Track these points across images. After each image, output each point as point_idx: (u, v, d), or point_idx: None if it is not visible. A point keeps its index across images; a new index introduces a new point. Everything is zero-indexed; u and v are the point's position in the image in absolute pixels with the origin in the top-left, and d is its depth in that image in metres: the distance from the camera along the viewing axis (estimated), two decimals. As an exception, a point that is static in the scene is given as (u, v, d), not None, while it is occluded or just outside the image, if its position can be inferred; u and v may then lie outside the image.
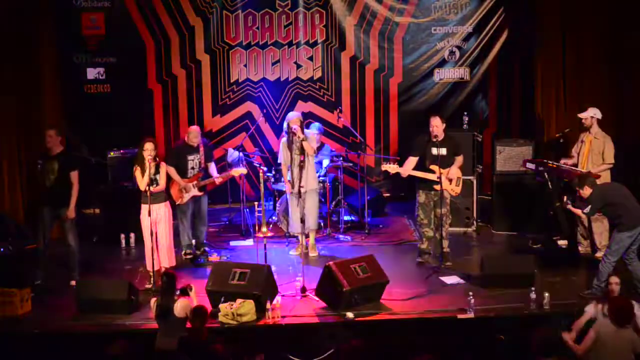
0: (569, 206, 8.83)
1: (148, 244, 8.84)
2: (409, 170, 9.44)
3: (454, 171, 9.50)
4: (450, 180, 9.46)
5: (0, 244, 9.42)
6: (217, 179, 9.98)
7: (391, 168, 9.46)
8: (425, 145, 9.46)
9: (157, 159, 8.96)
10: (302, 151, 9.65)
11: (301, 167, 9.60)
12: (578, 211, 8.72)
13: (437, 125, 9.37)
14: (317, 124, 11.09)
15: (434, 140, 9.36)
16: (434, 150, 9.39)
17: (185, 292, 7.40)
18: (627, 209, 8.38)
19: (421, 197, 9.55)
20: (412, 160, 9.49)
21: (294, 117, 9.73)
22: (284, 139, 9.85)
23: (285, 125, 9.81)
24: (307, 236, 10.04)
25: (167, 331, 7.20)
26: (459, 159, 9.60)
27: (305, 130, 9.89)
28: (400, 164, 9.61)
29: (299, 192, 9.51)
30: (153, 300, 7.39)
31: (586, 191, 8.44)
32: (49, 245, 9.24)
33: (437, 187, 9.32)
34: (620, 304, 6.82)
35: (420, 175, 9.41)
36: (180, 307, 7.22)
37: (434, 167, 9.33)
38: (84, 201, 11.15)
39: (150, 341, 7.77)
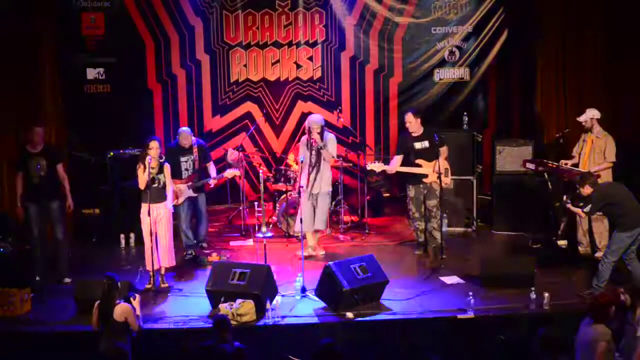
0: (569, 205, 8.84)
1: (147, 243, 8.84)
2: (396, 167, 9.65)
3: (441, 163, 9.58)
4: (440, 173, 9.54)
5: (0, 244, 9.43)
6: (212, 181, 9.98)
7: (377, 166, 9.62)
8: (407, 142, 9.64)
9: (162, 157, 8.98)
10: (319, 155, 9.66)
11: (317, 169, 9.62)
12: (578, 210, 8.72)
13: (410, 122, 9.64)
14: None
15: (414, 135, 9.52)
16: (417, 145, 9.60)
17: (128, 299, 7.32)
18: (628, 209, 8.38)
19: (411, 191, 9.76)
20: (398, 159, 9.69)
21: (315, 124, 9.66)
22: (304, 138, 9.83)
23: (306, 124, 9.80)
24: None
25: (108, 335, 7.15)
26: (444, 150, 9.73)
27: (328, 134, 9.83)
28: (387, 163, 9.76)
29: (310, 192, 9.59)
30: (96, 304, 7.34)
31: (587, 190, 8.44)
32: (45, 243, 9.25)
33: (426, 179, 9.54)
34: (598, 302, 6.73)
35: (409, 170, 9.60)
36: (119, 312, 7.12)
37: (419, 161, 9.54)
38: (84, 201, 11.20)
39: (150, 341, 7.81)
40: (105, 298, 7.21)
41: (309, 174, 9.69)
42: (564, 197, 8.94)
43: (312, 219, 9.77)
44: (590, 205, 8.47)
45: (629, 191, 8.56)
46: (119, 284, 7.32)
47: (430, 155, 9.56)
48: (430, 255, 9.81)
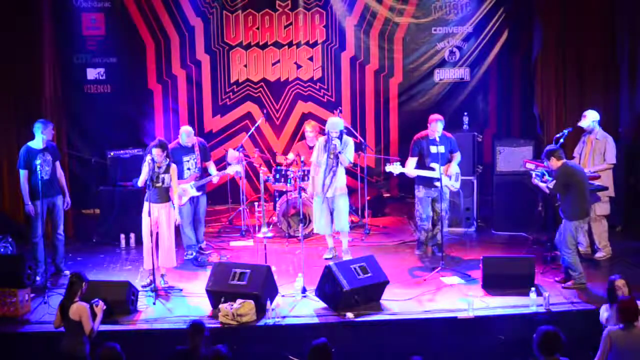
0: (535, 180, 8.97)
1: (146, 243, 8.86)
2: (414, 171, 9.59)
3: (453, 167, 9.60)
4: (450, 177, 9.57)
5: (0, 244, 9.44)
6: (215, 178, 10.01)
7: (395, 169, 9.54)
8: (422, 145, 9.60)
9: (168, 158, 8.98)
10: (336, 157, 9.64)
11: (333, 173, 9.62)
12: (543, 186, 8.86)
13: (437, 131, 9.56)
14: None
15: (431, 138, 9.52)
16: (433, 149, 9.53)
17: (91, 304, 7.32)
18: (582, 197, 8.60)
19: (420, 192, 9.72)
20: (412, 161, 9.62)
21: (333, 128, 9.60)
22: (321, 139, 9.78)
23: (326, 127, 9.76)
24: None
25: (67, 333, 7.18)
26: (457, 156, 9.76)
27: (347, 138, 9.75)
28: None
29: (326, 195, 9.60)
30: (60, 301, 7.38)
31: (553, 162, 8.63)
32: (46, 242, 9.30)
33: (437, 183, 9.47)
34: (625, 306, 6.65)
35: (424, 173, 9.53)
36: (74, 310, 7.13)
37: (434, 164, 9.47)
38: (84, 201, 11.22)
39: (150, 341, 7.81)
40: (66, 296, 7.25)
41: (324, 177, 9.66)
42: (533, 174, 9.10)
43: (327, 221, 9.74)
44: (555, 181, 8.63)
45: (588, 182, 8.79)
46: (83, 283, 7.31)
47: (445, 160, 9.57)
48: (430, 254, 9.80)
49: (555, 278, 8.93)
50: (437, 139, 9.49)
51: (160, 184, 8.84)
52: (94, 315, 7.21)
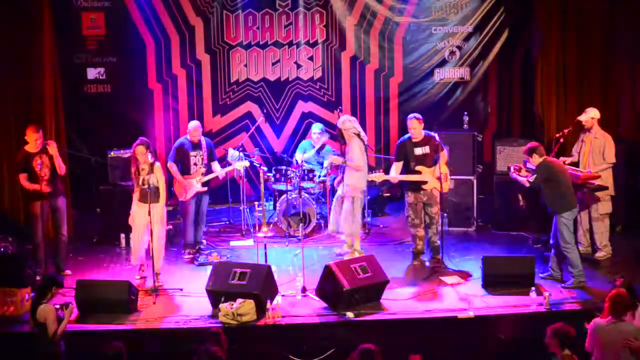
0: (514, 175, 9.02)
1: (134, 238, 9.17)
2: (397, 176, 9.48)
3: (441, 169, 9.40)
4: (439, 179, 9.42)
5: (0, 244, 9.44)
6: (221, 173, 10.02)
7: (377, 177, 9.44)
8: (406, 148, 9.46)
9: (153, 157, 9.01)
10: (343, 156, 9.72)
11: (342, 171, 9.72)
12: (523, 179, 8.89)
13: (414, 128, 9.42)
14: (319, 124, 11.14)
15: (414, 141, 9.39)
16: (418, 151, 9.41)
17: (61, 307, 7.38)
18: (566, 189, 8.68)
19: (410, 197, 9.56)
20: (397, 166, 9.51)
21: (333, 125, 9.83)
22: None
23: None
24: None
25: (38, 334, 7.24)
26: (442, 155, 9.48)
27: (351, 142, 9.72)
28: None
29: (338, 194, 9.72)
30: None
31: (535, 159, 8.73)
32: (46, 242, 9.30)
33: (425, 186, 9.36)
34: (617, 298, 6.68)
35: (407, 178, 9.44)
36: (40, 311, 7.20)
37: (419, 167, 9.37)
38: (84, 201, 11.22)
39: (149, 341, 7.81)
40: (36, 296, 7.34)
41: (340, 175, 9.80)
42: (512, 168, 9.15)
43: (333, 219, 9.78)
44: (535, 176, 8.70)
45: (569, 174, 8.89)
46: (54, 288, 7.38)
47: (430, 161, 9.39)
48: (423, 265, 9.70)
49: (539, 274, 8.94)
50: (420, 140, 9.38)
51: (145, 187, 8.88)
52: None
